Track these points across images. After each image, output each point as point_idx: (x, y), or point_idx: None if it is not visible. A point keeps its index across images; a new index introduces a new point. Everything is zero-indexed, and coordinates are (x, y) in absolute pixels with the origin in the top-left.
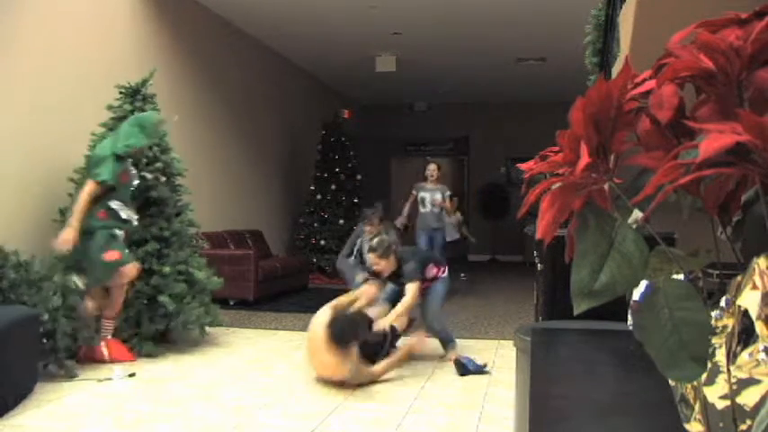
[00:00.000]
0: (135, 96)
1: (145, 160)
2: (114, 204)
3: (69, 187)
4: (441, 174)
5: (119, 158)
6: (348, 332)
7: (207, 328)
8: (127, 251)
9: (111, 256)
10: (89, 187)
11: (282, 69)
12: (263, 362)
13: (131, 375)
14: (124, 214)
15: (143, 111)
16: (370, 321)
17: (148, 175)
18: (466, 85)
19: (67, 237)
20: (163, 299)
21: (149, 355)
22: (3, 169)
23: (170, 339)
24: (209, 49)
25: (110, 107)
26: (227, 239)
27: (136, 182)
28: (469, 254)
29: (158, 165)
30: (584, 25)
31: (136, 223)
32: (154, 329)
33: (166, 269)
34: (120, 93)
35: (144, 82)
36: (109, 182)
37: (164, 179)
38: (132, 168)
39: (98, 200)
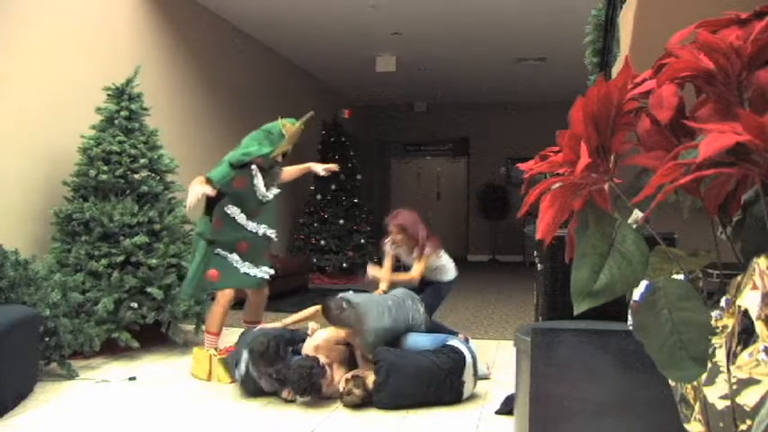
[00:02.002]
0: (121, 96)
1: (129, 159)
2: (229, 210)
3: (65, 190)
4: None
5: (234, 166)
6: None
7: (203, 326)
8: (237, 270)
9: (212, 275)
10: (200, 177)
11: (282, 69)
12: None
13: (132, 379)
14: (241, 220)
15: (129, 110)
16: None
17: (137, 176)
18: (466, 85)
19: (200, 186)
20: (151, 290)
21: (129, 348)
22: (3, 168)
23: (167, 338)
24: (209, 49)
25: (98, 109)
26: None
27: (266, 191)
28: (469, 254)
29: (143, 161)
30: (584, 25)
31: (262, 233)
32: (140, 320)
33: (153, 262)
34: (108, 94)
35: (128, 82)
36: (214, 180)
37: (152, 175)
38: (258, 178)
39: (214, 206)
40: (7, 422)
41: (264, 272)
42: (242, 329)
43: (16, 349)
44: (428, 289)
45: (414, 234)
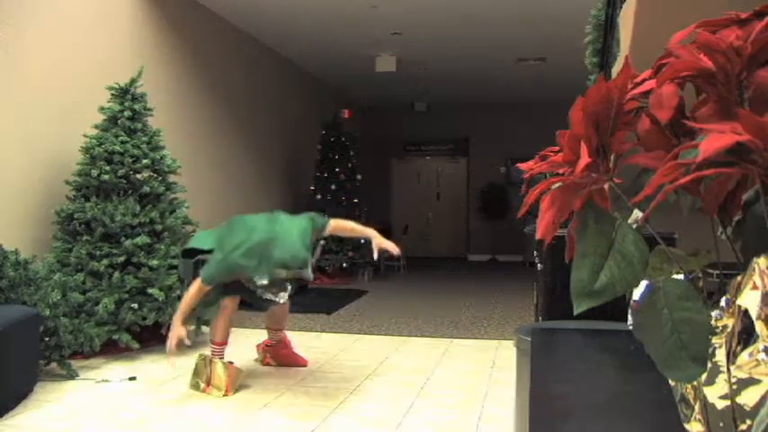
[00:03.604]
0: (124, 96)
1: (131, 159)
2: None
3: (67, 189)
4: None
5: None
6: None
7: (204, 327)
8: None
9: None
10: (195, 287)
11: (282, 69)
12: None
13: (132, 379)
14: (258, 287)
15: (133, 111)
16: None
17: (139, 176)
18: (466, 85)
19: (176, 340)
20: (152, 291)
21: (129, 348)
22: (3, 168)
23: (167, 338)
24: (209, 49)
25: (101, 109)
26: None
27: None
28: (469, 254)
29: (146, 162)
30: (584, 25)
31: (277, 300)
32: (139, 321)
33: (154, 262)
34: (111, 94)
35: (132, 81)
36: (207, 284)
37: (154, 175)
38: (257, 274)
39: (195, 253)
40: (7, 422)
41: (283, 296)
42: (241, 329)
43: (16, 349)
44: None
45: None
